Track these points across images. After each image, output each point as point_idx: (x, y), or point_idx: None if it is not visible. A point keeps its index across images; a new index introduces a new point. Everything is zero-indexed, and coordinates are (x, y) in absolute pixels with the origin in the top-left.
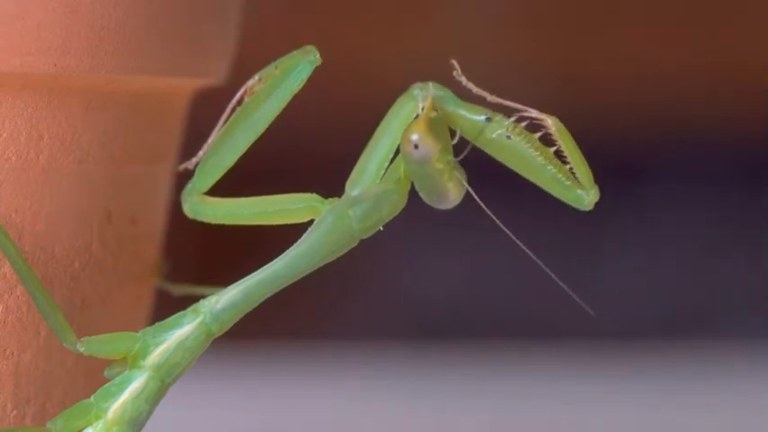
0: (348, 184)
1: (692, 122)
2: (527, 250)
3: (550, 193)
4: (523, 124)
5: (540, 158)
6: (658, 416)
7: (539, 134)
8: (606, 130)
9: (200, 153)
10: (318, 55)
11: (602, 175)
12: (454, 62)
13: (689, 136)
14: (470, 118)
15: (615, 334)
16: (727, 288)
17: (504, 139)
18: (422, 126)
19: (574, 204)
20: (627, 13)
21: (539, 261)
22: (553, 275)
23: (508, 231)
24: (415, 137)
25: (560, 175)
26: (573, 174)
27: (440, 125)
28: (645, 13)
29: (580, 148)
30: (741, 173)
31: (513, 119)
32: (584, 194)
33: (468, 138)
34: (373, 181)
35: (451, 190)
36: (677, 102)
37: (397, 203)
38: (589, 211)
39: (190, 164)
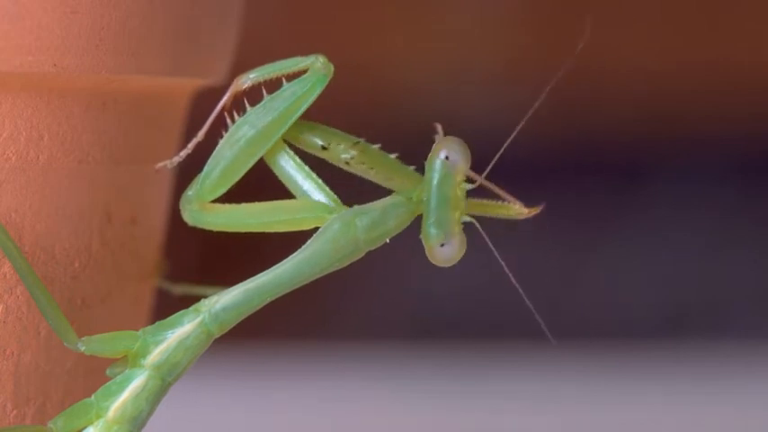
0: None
1: (693, 122)
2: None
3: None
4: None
5: (379, 175)
6: (659, 415)
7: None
8: (607, 130)
9: (183, 153)
10: (332, 67)
11: (603, 175)
12: (438, 125)
13: (690, 135)
14: (310, 146)
15: (616, 334)
16: (728, 288)
17: (344, 165)
18: (456, 141)
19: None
20: (627, 13)
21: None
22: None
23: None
24: (447, 148)
25: (403, 181)
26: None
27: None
28: (646, 13)
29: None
30: (742, 173)
31: (349, 143)
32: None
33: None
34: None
35: (458, 234)
36: (679, 101)
37: (404, 217)
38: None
39: (172, 164)
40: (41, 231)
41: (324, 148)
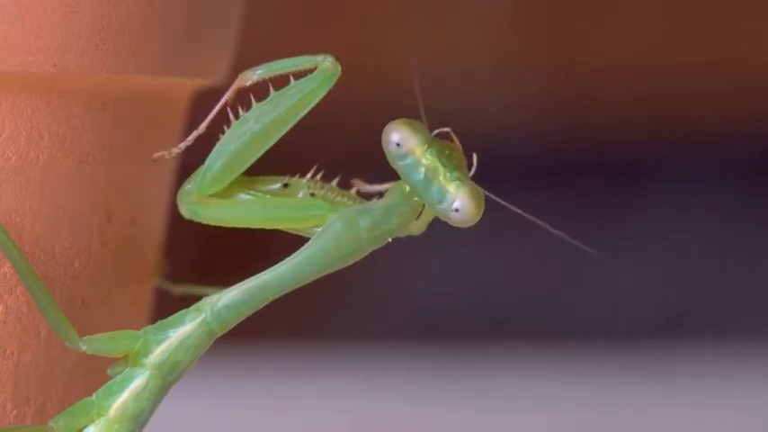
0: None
1: (693, 122)
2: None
3: None
4: (319, 176)
5: (348, 201)
6: (659, 415)
7: (336, 180)
8: (607, 130)
9: (183, 145)
10: (339, 67)
11: (603, 175)
12: (356, 181)
13: (690, 135)
14: (269, 188)
15: (616, 334)
16: (728, 288)
17: (310, 197)
18: (399, 123)
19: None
20: (628, 13)
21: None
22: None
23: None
24: (393, 133)
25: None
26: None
27: (422, 128)
28: (646, 13)
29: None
30: (742, 173)
31: (309, 174)
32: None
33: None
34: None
35: (456, 192)
36: (679, 101)
37: (407, 216)
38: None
39: (170, 154)
40: (41, 231)
41: (285, 185)
